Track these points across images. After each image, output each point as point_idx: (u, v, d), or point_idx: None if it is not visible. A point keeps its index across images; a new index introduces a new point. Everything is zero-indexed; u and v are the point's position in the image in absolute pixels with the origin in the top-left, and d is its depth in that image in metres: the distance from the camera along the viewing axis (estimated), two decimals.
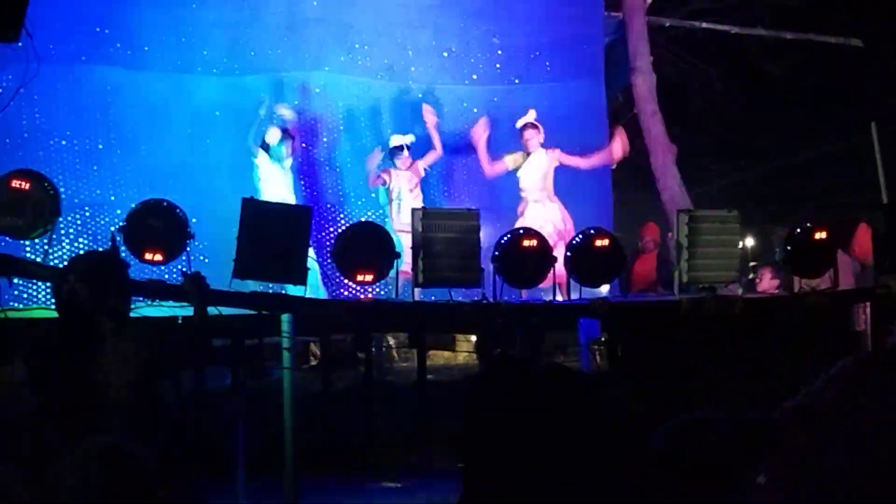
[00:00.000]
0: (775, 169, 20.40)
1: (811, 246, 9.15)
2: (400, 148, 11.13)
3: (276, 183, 10.62)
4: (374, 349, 11.27)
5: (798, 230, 9.22)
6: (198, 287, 5.19)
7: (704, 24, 15.93)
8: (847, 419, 1.84)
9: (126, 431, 4.43)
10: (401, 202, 10.92)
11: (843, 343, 8.76)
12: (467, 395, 2.12)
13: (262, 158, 10.70)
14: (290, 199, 10.62)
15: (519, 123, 11.32)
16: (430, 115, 11.35)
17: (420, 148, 11.35)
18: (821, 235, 9.12)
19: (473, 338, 12.43)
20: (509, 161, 11.20)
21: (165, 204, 7.97)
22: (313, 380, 10.82)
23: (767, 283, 11.14)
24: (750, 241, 18.88)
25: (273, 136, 10.76)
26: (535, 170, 11.11)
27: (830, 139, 19.04)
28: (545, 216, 10.94)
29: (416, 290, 9.00)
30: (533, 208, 11.02)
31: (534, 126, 11.21)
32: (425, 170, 11.29)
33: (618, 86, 14.75)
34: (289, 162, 10.85)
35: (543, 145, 11.16)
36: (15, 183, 7.52)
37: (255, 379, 10.42)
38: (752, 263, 12.54)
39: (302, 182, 11.78)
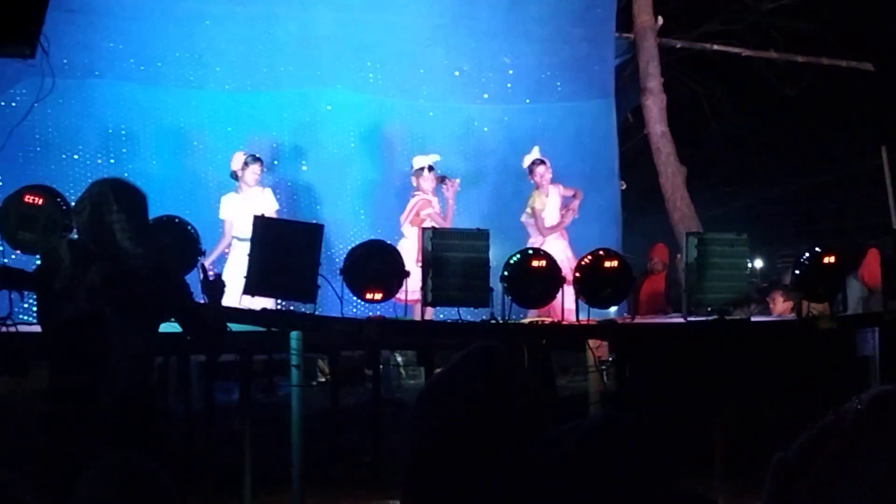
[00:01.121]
0: (786, 192, 20.41)
1: (820, 270, 9.14)
2: (424, 169, 10.79)
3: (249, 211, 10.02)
4: (382, 366, 11.31)
5: (807, 254, 9.21)
6: (216, 289, 5.14)
7: (715, 47, 15.96)
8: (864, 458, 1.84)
9: (128, 438, 4.42)
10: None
11: (850, 368, 8.76)
12: (436, 385, 2.08)
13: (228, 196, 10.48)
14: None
15: (526, 162, 11.01)
16: (451, 188, 10.92)
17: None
18: (829, 260, 9.11)
19: None
20: (537, 205, 10.82)
21: (177, 220, 8.01)
22: (321, 396, 10.86)
23: (781, 305, 11.11)
24: (759, 263, 18.86)
25: (237, 161, 10.49)
26: (553, 207, 10.88)
27: (841, 163, 19.05)
28: (562, 249, 10.70)
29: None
30: (552, 244, 10.63)
31: (542, 162, 10.93)
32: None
33: (628, 106, 14.80)
34: (255, 189, 10.50)
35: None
36: (28, 198, 7.54)
37: (263, 394, 10.46)
38: (763, 285, 12.49)
39: (312, 198, 11.85)
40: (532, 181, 10.95)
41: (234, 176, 10.49)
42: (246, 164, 10.40)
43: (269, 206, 10.43)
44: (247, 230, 9.47)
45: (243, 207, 10.22)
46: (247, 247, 9.16)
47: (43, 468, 4.56)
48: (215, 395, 8.69)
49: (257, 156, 10.60)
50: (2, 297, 7.17)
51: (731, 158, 19.60)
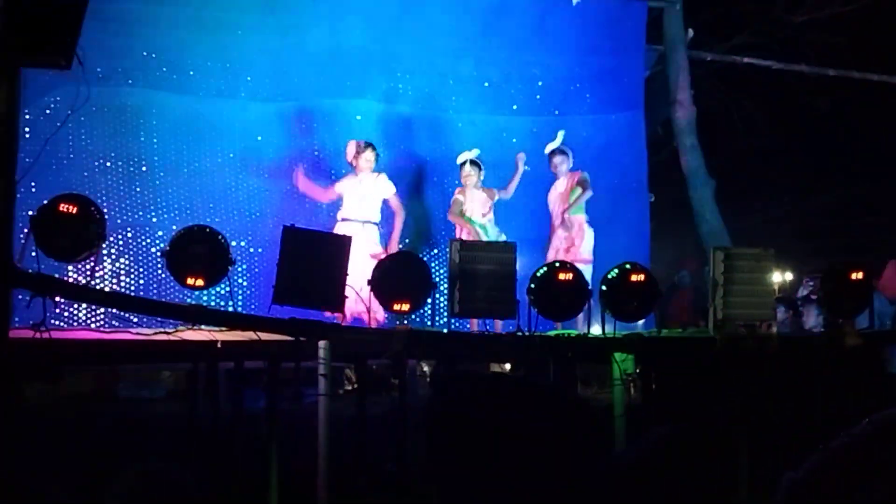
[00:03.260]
0: (816, 205, 20.34)
1: (847, 286, 9.12)
2: (463, 165, 11.12)
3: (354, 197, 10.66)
4: (408, 375, 11.36)
5: (835, 270, 9.19)
6: None
7: (746, 59, 15.94)
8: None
9: None
10: (479, 228, 10.90)
11: (877, 384, 8.75)
12: (427, 416, 2.10)
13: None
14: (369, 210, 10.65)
15: (547, 149, 11.35)
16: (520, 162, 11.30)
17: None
18: (857, 276, 9.10)
19: (507, 365, 12.47)
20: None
21: (208, 230, 8.08)
22: (348, 404, 10.92)
23: (814, 319, 11.07)
24: (789, 276, 18.80)
25: (351, 150, 10.88)
26: (555, 192, 11.23)
27: (871, 177, 18.97)
28: (563, 237, 11.05)
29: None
30: (558, 233, 11.10)
31: (562, 152, 11.24)
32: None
33: (658, 119, 14.78)
34: (369, 175, 10.76)
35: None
36: (62, 207, 7.62)
37: (290, 402, 10.53)
38: (798, 298, 12.43)
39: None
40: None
41: (352, 166, 10.81)
42: (359, 150, 10.75)
43: (384, 189, 10.78)
44: (356, 213, 10.52)
45: (354, 190, 10.65)
46: (350, 227, 10.06)
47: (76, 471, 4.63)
48: (243, 403, 8.76)
49: (369, 142, 10.96)
50: (35, 304, 7.25)
51: (761, 171, 19.54)
